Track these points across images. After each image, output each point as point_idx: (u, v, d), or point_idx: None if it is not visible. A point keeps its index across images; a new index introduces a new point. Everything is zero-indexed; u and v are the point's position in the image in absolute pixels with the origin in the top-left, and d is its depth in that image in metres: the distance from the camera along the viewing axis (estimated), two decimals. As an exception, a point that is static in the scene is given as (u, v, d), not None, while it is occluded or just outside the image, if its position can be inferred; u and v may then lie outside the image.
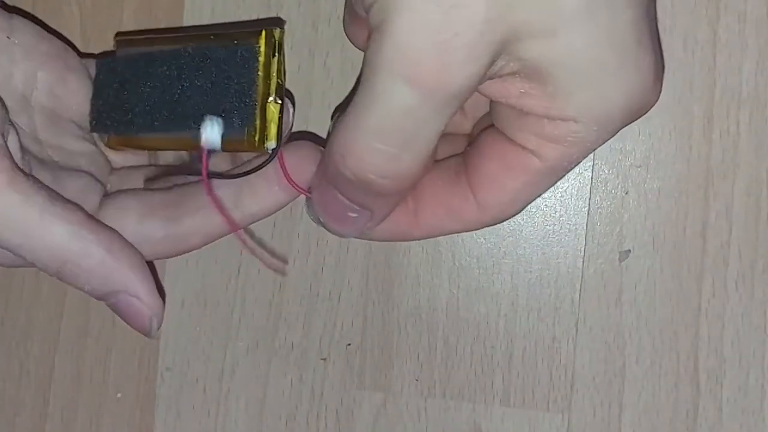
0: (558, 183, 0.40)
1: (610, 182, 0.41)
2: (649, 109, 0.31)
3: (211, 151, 0.34)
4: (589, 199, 0.42)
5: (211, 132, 0.34)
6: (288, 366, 0.43)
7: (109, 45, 0.42)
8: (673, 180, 0.41)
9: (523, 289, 0.42)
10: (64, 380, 0.44)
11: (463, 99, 0.29)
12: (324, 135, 0.42)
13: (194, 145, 0.34)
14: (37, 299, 0.44)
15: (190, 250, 0.37)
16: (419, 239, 0.36)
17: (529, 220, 0.42)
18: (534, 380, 0.42)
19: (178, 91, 0.35)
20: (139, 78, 0.36)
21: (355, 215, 0.33)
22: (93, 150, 0.38)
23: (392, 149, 0.30)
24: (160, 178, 0.38)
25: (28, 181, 0.32)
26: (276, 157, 0.35)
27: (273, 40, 0.34)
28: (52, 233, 0.33)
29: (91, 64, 0.38)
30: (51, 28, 0.41)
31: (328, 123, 0.41)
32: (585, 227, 0.42)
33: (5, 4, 0.39)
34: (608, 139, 0.31)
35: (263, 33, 0.34)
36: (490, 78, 0.30)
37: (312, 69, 0.42)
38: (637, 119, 0.31)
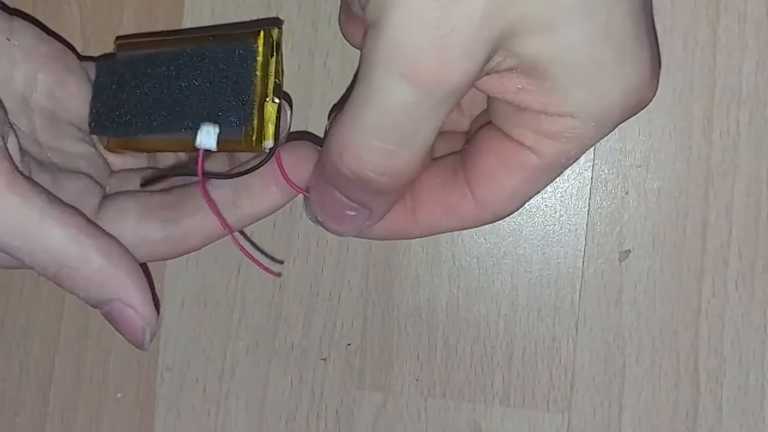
0: (558, 183, 0.41)
1: (610, 182, 0.41)
2: (647, 105, 0.31)
3: (207, 152, 0.34)
4: (589, 199, 0.42)
5: (206, 132, 0.34)
6: (288, 366, 0.43)
7: (109, 45, 0.42)
8: (673, 180, 0.41)
9: (523, 289, 0.42)
10: (64, 380, 0.45)
11: (460, 95, 0.29)
12: (323, 135, 0.42)
13: (192, 146, 0.34)
14: (37, 299, 0.44)
15: (190, 252, 0.37)
16: (418, 237, 0.36)
17: (529, 220, 0.42)
18: (534, 380, 0.42)
19: (177, 91, 0.35)
20: (138, 79, 0.36)
21: (353, 213, 0.33)
22: (92, 152, 0.38)
23: (390, 146, 0.30)
24: (157, 180, 0.38)
25: (28, 184, 0.32)
26: (273, 157, 0.35)
27: (271, 40, 0.34)
28: (50, 236, 0.33)
29: (91, 67, 0.38)
30: (50, 28, 0.41)
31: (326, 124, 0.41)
32: (585, 227, 0.42)
33: (6, 5, 0.39)
34: (606, 135, 0.31)
35: (261, 33, 0.34)
36: (488, 74, 0.30)
37: (312, 69, 0.42)
38: (635, 114, 0.31)
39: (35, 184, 0.33)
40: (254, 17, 0.42)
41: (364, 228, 0.34)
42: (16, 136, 0.34)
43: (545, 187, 0.33)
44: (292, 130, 0.36)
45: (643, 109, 0.31)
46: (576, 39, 0.29)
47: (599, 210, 0.42)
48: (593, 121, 0.30)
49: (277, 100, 0.34)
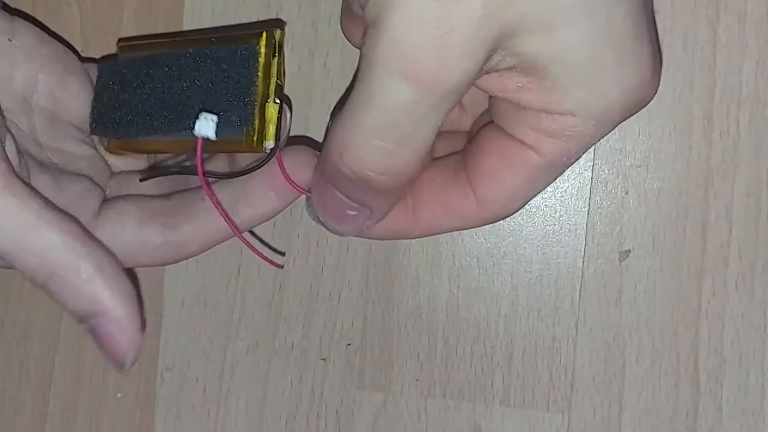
0: (558, 183, 0.41)
1: (610, 182, 0.41)
2: (648, 103, 0.31)
3: (207, 156, 0.34)
4: (589, 199, 0.42)
5: (204, 120, 0.34)
6: (288, 366, 0.43)
7: (109, 45, 0.42)
8: (673, 180, 0.41)
9: (523, 289, 0.42)
10: (64, 380, 0.44)
11: (460, 94, 0.29)
12: (323, 135, 0.42)
13: (193, 147, 0.34)
14: (37, 299, 0.44)
15: (189, 257, 0.37)
16: (419, 237, 0.36)
17: (529, 220, 0.42)
18: (534, 380, 0.42)
19: (178, 92, 0.35)
20: (140, 79, 0.36)
21: (354, 213, 0.33)
22: (93, 154, 0.38)
23: (390, 146, 0.30)
24: (157, 174, 0.38)
25: (25, 187, 0.32)
26: (274, 157, 0.35)
27: (273, 41, 0.34)
28: (44, 240, 0.32)
29: (92, 68, 0.38)
30: (51, 29, 0.41)
31: (327, 123, 0.41)
32: (585, 227, 0.42)
33: (7, 5, 0.39)
34: (607, 134, 0.31)
35: (264, 34, 0.34)
36: (487, 73, 0.30)
37: (312, 69, 0.42)
38: (636, 113, 0.31)
39: (32, 187, 0.33)
40: (254, 17, 0.42)
41: (364, 228, 0.34)
42: (14, 138, 0.34)
43: (547, 186, 0.33)
44: (292, 133, 0.36)
45: (644, 107, 0.31)
46: (576, 38, 0.29)
47: (599, 210, 0.42)
48: (594, 120, 0.30)
49: (278, 101, 0.34)
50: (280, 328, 0.43)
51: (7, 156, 0.32)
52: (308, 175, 0.35)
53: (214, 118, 0.34)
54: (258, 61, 0.34)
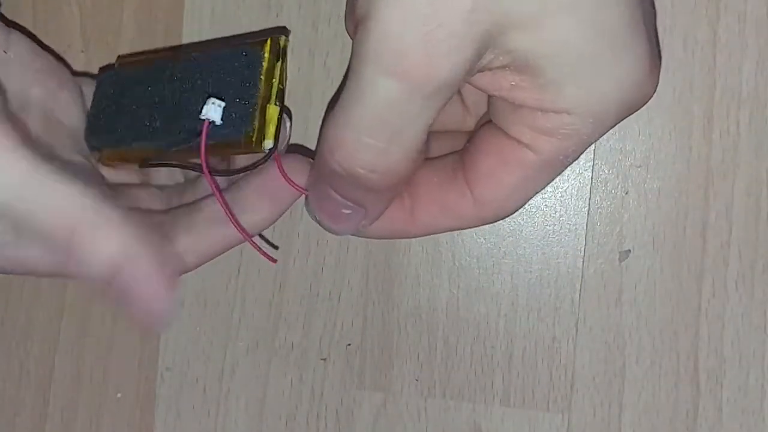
0: (558, 183, 0.41)
1: (610, 182, 0.41)
2: (647, 101, 0.31)
3: (211, 124, 0.34)
4: (589, 199, 0.42)
5: (212, 104, 0.34)
6: (288, 366, 0.43)
7: (109, 46, 0.42)
8: (673, 180, 0.41)
9: (523, 289, 0.42)
10: (64, 380, 0.45)
11: (450, 91, 0.29)
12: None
13: (190, 155, 0.34)
14: (37, 299, 0.44)
15: (186, 271, 0.36)
16: (417, 237, 0.36)
17: (529, 220, 0.42)
18: (534, 380, 0.42)
19: (179, 93, 0.35)
20: (141, 85, 0.36)
21: (349, 212, 0.33)
22: (86, 165, 0.38)
23: (380, 143, 0.30)
24: (157, 165, 0.37)
25: (38, 151, 0.31)
26: (273, 159, 0.35)
27: (277, 47, 0.34)
28: (67, 191, 0.31)
29: (84, 82, 0.38)
30: (50, 29, 0.41)
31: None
32: (585, 227, 0.42)
33: (4, 16, 0.39)
34: (605, 133, 0.31)
35: (269, 40, 0.34)
36: (481, 71, 0.30)
37: (312, 69, 0.42)
38: (635, 111, 0.31)
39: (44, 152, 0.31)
40: (254, 18, 0.42)
41: (360, 227, 0.34)
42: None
43: (545, 185, 0.33)
44: (292, 137, 0.36)
45: (643, 105, 0.31)
46: (567, 34, 0.29)
47: (599, 210, 0.42)
48: (591, 117, 0.30)
49: (279, 104, 0.34)
50: (280, 328, 0.43)
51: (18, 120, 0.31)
52: (304, 179, 0.35)
53: (222, 103, 0.34)
54: (261, 66, 0.34)
